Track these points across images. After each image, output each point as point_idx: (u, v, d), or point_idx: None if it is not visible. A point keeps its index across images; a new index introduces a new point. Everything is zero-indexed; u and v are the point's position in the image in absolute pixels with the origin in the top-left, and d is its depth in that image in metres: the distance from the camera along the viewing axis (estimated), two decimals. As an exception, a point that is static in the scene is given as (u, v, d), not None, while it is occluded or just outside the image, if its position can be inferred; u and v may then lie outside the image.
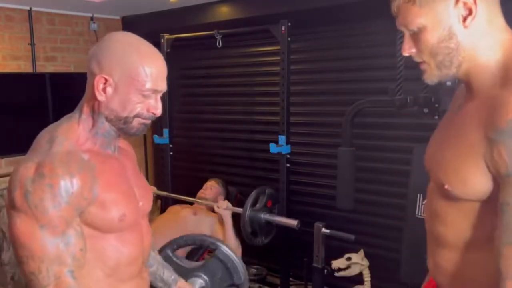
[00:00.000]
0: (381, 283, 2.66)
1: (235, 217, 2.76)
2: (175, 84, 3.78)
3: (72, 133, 1.08)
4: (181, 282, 1.43)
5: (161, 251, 1.60)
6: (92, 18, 3.83)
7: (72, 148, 1.05)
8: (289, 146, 2.83)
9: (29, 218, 0.97)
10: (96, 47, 1.09)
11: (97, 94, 1.05)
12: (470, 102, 0.97)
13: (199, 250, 2.71)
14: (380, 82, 2.69)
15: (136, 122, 1.09)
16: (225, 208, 2.73)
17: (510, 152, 0.83)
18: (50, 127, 1.11)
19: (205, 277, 1.40)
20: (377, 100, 2.54)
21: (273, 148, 2.76)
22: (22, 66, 3.46)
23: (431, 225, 1.09)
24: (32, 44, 3.48)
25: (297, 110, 3.03)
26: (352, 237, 2.47)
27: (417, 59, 1.00)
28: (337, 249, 2.68)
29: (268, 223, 2.74)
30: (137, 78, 1.04)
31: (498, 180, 0.88)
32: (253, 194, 2.72)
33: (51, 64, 3.64)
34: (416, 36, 0.96)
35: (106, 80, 1.05)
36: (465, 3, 0.90)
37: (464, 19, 0.91)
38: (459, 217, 1.00)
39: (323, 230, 2.55)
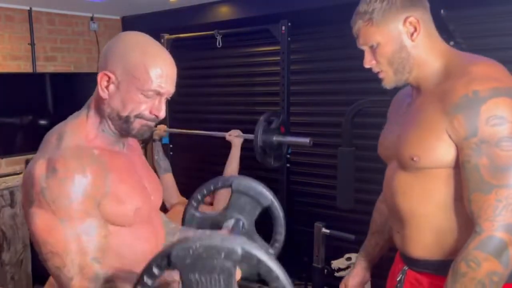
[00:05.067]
0: (381, 282, 2.66)
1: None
2: (175, 84, 3.77)
3: (81, 129, 1.07)
4: None
5: (185, 213, 1.49)
6: (92, 18, 3.83)
7: (82, 143, 1.05)
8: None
9: (48, 214, 0.97)
10: (106, 45, 1.09)
11: (100, 91, 1.05)
12: (420, 97, 1.22)
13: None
14: (380, 82, 2.68)
15: (137, 123, 1.07)
16: (236, 136, 2.75)
17: (467, 119, 1.07)
18: (58, 125, 1.11)
19: (236, 215, 1.31)
20: (377, 100, 2.54)
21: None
22: (22, 66, 3.46)
23: (397, 205, 1.26)
24: (32, 44, 3.48)
25: (297, 110, 3.03)
26: (352, 237, 2.47)
27: (376, 70, 1.24)
28: (337, 249, 2.68)
29: (279, 145, 2.69)
30: (138, 77, 1.03)
31: (458, 146, 1.10)
32: (264, 117, 2.63)
33: (51, 64, 3.63)
34: (375, 51, 1.20)
35: (109, 77, 1.04)
36: (410, 22, 1.16)
37: (411, 35, 1.17)
38: (427, 186, 1.18)
39: (323, 230, 2.55)
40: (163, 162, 3.10)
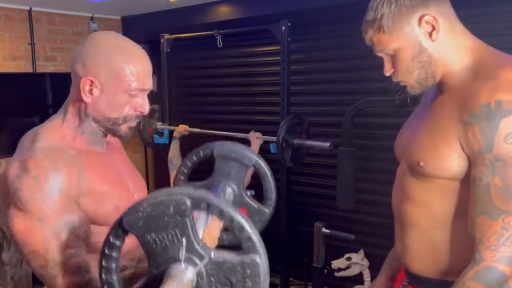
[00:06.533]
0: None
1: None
2: (175, 84, 3.78)
3: (56, 132, 1.08)
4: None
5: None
6: (92, 18, 3.83)
7: (56, 144, 1.05)
8: (289, 146, 2.83)
9: (25, 214, 0.96)
10: (79, 48, 1.09)
11: (83, 96, 1.05)
12: (442, 95, 1.11)
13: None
14: (380, 82, 2.67)
15: (124, 126, 1.10)
16: (257, 137, 2.77)
17: (483, 132, 0.96)
18: (33, 128, 1.11)
19: (223, 181, 1.28)
20: (377, 100, 2.54)
21: (273, 148, 2.76)
22: (22, 66, 3.46)
23: (400, 207, 1.19)
24: (32, 44, 3.48)
25: (297, 110, 3.03)
26: (352, 237, 2.47)
27: (396, 79, 1.14)
28: (337, 249, 2.68)
29: (299, 148, 2.74)
30: (123, 78, 1.04)
31: (471, 159, 1.00)
32: (286, 121, 2.67)
33: (51, 64, 3.63)
34: (394, 57, 1.10)
35: (92, 82, 1.05)
36: (427, 22, 1.05)
37: (430, 34, 1.06)
38: (429, 196, 1.10)
39: (323, 230, 2.55)
40: (177, 160, 3.10)
